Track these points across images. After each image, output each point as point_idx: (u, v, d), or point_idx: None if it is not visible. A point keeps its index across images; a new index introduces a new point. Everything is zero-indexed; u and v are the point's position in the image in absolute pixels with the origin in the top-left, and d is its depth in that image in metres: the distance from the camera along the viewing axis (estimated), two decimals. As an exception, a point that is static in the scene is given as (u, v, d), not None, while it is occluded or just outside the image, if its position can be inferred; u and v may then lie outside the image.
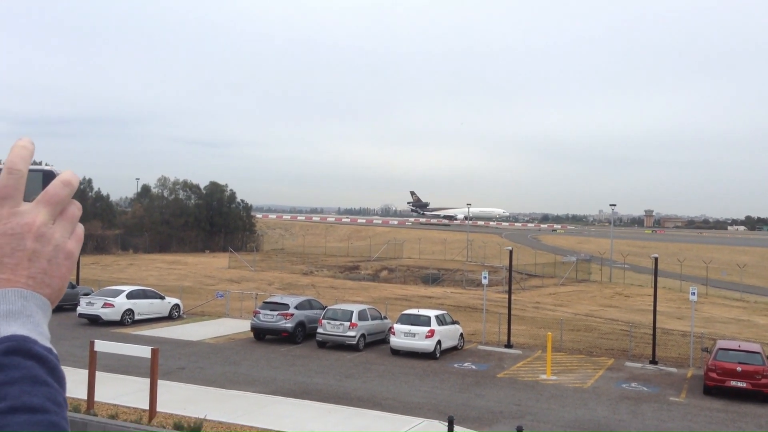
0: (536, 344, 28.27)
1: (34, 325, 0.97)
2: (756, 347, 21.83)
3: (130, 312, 29.82)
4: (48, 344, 0.97)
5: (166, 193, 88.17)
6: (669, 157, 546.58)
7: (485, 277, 29.73)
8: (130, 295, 30.20)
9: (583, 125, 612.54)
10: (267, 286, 48.57)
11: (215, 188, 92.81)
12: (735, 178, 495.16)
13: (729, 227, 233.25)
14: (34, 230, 1.02)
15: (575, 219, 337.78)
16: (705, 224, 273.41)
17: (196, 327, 30.13)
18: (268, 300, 28.59)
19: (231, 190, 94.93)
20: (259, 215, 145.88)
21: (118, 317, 29.14)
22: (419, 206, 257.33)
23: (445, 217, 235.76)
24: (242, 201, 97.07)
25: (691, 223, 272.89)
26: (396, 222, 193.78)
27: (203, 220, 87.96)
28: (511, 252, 31.06)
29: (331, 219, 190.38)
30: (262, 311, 27.21)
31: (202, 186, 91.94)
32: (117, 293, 30.13)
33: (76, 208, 1.08)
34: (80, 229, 1.10)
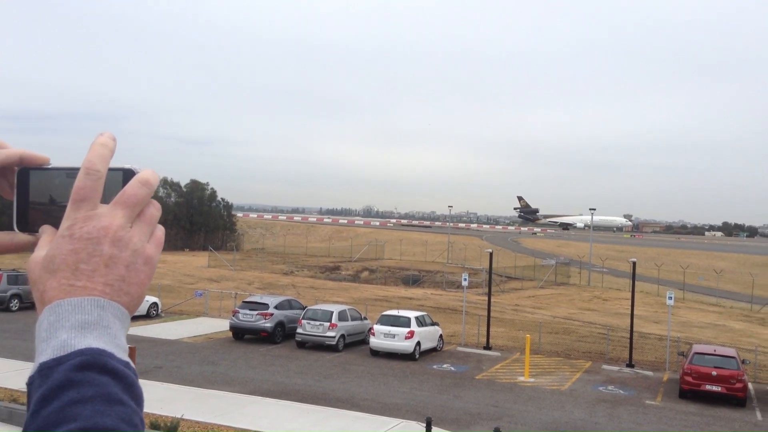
0: (515, 346, 28.41)
1: (111, 337, 0.88)
2: (731, 352, 22.10)
3: (107, 310, 29.50)
4: (126, 358, 0.89)
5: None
6: (649, 162, 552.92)
7: (465, 279, 29.83)
8: (108, 293, 29.88)
9: (566, 130, 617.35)
10: (247, 286, 48.33)
11: (196, 186, 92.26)
12: (713, 185, 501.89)
13: (706, 233, 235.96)
14: (111, 234, 0.94)
15: (553, 223, 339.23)
16: (683, 229, 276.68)
17: (174, 326, 29.90)
18: (248, 299, 28.45)
19: (212, 188, 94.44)
20: (239, 214, 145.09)
21: (95, 315, 28.81)
22: (528, 213, 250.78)
23: (561, 224, 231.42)
24: (223, 200, 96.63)
25: (669, 228, 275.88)
26: (378, 223, 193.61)
27: (183, 219, 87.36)
28: (491, 254, 31.19)
29: (312, 219, 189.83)
30: (241, 311, 27.07)
31: (182, 184, 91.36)
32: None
33: (155, 209, 1.00)
34: (160, 231, 1.02)
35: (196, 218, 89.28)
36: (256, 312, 26.74)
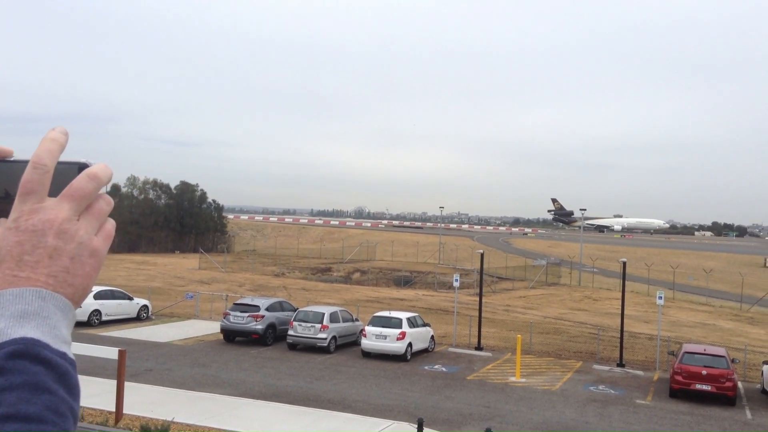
0: (506, 347, 28.46)
1: (50, 327, 0.90)
2: (721, 351, 22.22)
3: (97, 313, 29.38)
4: (63, 348, 0.90)
5: (135, 193, 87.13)
6: (639, 163, 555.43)
7: (456, 280, 29.86)
8: (98, 296, 29.74)
9: (556, 131, 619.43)
10: (238, 288, 48.22)
11: (186, 188, 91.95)
12: (702, 185, 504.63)
13: (696, 233, 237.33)
14: (55, 226, 0.95)
15: (546, 223, 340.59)
16: (673, 229, 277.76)
17: (164, 328, 29.79)
18: (239, 301, 28.37)
19: (202, 190, 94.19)
20: (230, 216, 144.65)
21: (85, 318, 28.68)
22: (562, 215, 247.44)
23: (597, 227, 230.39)
24: (213, 201, 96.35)
25: (659, 229, 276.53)
26: (369, 224, 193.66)
27: (173, 221, 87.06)
28: (482, 255, 31.23)
29: (303, 220, 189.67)
30: (232, 313, 26.99)
31: (172, 186, 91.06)
32: (84, 294, 29.64)
33: (104, 203, 1.02)
34: (110, 225, 1.03)
35: (186, 220, 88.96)
36: (247, 314, 26.67)
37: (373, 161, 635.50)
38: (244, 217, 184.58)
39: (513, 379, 22.41)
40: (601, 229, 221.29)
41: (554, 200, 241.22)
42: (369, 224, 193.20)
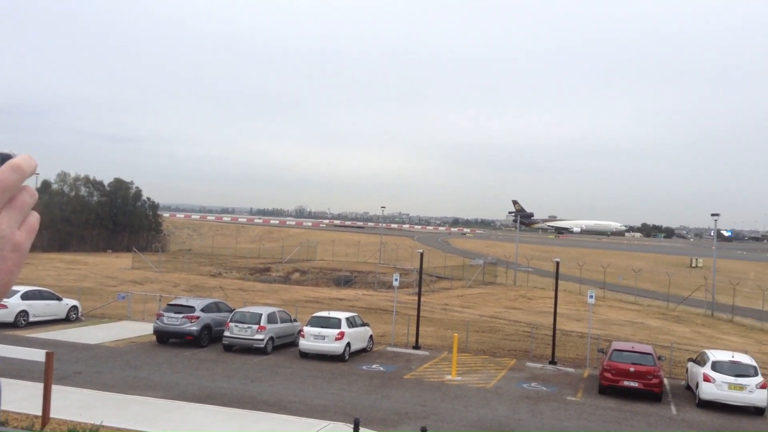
0: (443, 345, 28.81)
1: None
2: (648, 348, 23.04)
3: (24, 313, 28.34)
4: None
5: (66, 189, 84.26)
6: (573, 165, 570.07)
7: (396, 280, 30.04)
8: (25, 296, 28.68)
9: (494, 132, 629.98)
10: (172, 288, 47.23)
11: (120, 185, 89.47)
12: (632, 187, 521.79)
13: (626, 234, 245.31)
14: None
15: (484, 223, 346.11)
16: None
17: (95, 330, 28.95)
18: (173, 302, 27.81)
19: (137, 187, 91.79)
20: (166, 214, 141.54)
21: (11, 319, 27.64)
22: (523, 216, 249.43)
23: (557, 229, 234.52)
24: (148, 199, 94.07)
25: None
26: (310, 223, 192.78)
27: (106, 219, 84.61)
28: (422, 255, 31.53)
29: (242, 219, 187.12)
30: (166, 314, 26.44)
31: (105, 182, 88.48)
32: (10, 293, 28.50)
33: (28, 196, 0.99)
34: (33, 218, 1.01)
35: (119, 218, 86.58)
36: (181, 315, 26.17)
37: (315, 160, 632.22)
38: (181, 215, 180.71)
39: (449, 377, 22.70)
40: (560, 231, 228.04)
41: (515, 202, 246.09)
42: (310, 224, 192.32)
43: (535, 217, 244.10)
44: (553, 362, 26.24)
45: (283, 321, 26.86)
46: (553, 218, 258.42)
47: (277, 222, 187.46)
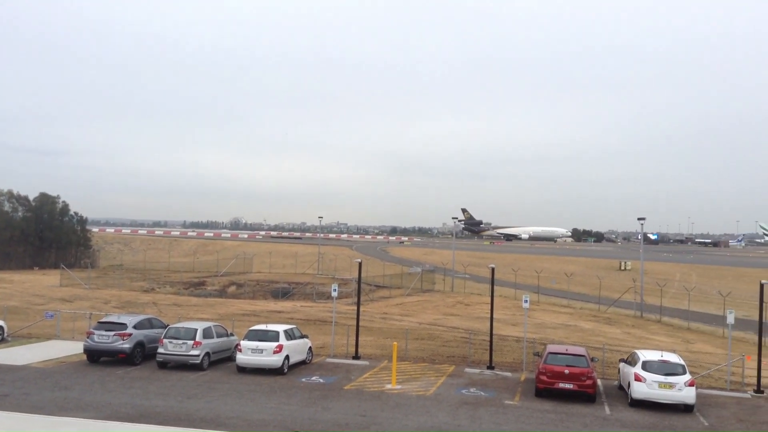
0: (383, 354, 28.84)
1: None
2: (581, 350, 23.62)
3: (-59, 337, 26.90)
4: None
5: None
6: (504, 172, 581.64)
7: (335, 290, 29.94)
8: (-58, 319, 27.25)
9: (430, 140, 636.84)
10: (103, 305, 45.75)
11: (45, 200, 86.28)
12: (563, 193, 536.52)
13: (558, 239, 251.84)
14: None
15: (421, 231, 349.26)
16: (538, 236, 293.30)
17: (22, 350, 27.75)
18: (104, 320, 26.91)
19: (63, 201, 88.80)
20: (95, 229, 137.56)
21: (-74, 343, 26.18)
22: (472, 224, 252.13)
23: (505, 236, 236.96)
24: (76, 214, 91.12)
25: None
26: (246, 235, 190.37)
27: (32, 235, 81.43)
28: (360, 264, 31.52)
29: (175, 233, 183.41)
30: (96, 332, 25.58)
31: (31, 197, 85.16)
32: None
33: None
34: None
35: (46, 234, 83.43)
36: (112, 333, 25.38)
37: (250, 172, 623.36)
38: (111, 230, 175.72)
39: (389, 386, 22.72)
40: (509, 237, 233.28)
41: (464, 210, 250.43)
42: (246, 235, 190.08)
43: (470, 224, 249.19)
44: (490, 367, 26.62)
45: (219, 336, 26.36)
46: (488, 225, 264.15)
47: (212, 234, 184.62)
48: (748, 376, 25.36)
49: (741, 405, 22.23)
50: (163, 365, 24.88)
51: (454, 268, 73.07)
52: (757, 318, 25.96)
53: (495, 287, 29.21)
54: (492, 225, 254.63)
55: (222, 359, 26.36)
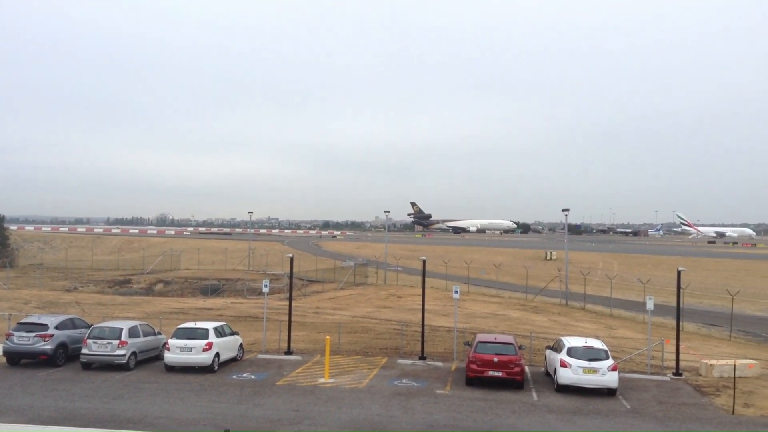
0: (316, 349, 28.77)
1: None
2: (509, 339, 24.21)
3: None
4: None
5: None
6: (439, 166, 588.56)
7: (266, 285, 29.62)
8: None
9: (362, 134, 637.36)
10: (23, 306, 43.85)
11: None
12: (494, 185, 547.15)
13: (487, 230, 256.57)
14: None
15: (354, 225, 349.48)
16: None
17: (-69, 357, 26.27)
18: (24, 320, 25.81)
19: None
20: (13, 227, 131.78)
21: None
22: (421, 218, 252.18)
23: (453, 229, 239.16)
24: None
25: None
26: (173, 232, 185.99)
27: (-58, 234, 77.00)
28: (291, 259, 31.28)
29: (99, 230, 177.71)
30: (16, 333, 24.54)
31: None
32: None
33: None
34: None
35: (-41, 233, 79.12)
36: (33, 334, 24.38)
37: (177, 167, 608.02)
38: (30, 227, 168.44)
39: (322, 380, 22.70)
40: (457, 230, 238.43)
41: (413, 204, 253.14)
42: (173, 232, 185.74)
43: (400, 218, 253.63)
44: (422, 358, 26.95)
45: (146, 335, 25.70)
46: (437, 220, 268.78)
47: (137, 231, 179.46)
48: (668, 359, 26.57)
49: (661, 388, 23.27)
50: (88, 366, 24.09)
51: (387, 261, 73.49)
52: (675, 303, 27.17)
53: (426, 279, 29.54)
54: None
55: (150, 359, 25.73)
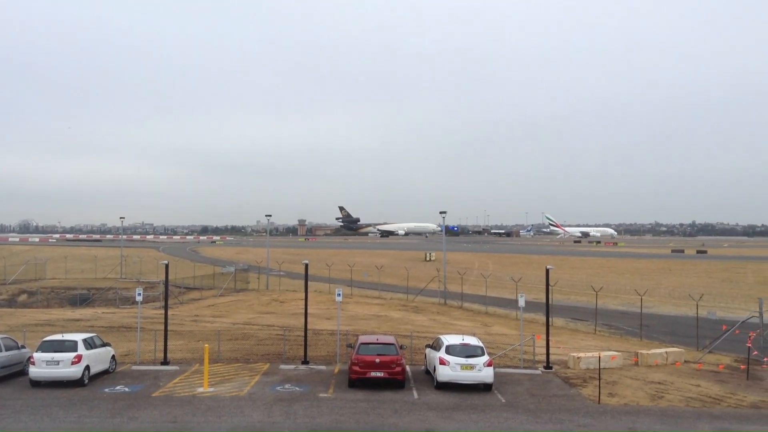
0: (194, 358, 27.95)
1: None
2: (390, 339, 24.61)
3: None
4: None
5: None
6: (316, 169, 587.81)
7: (139, 294, 28.43)
8: None
9: (239, 138, 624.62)
10: None
11: None
12: (372, 189, 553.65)
13: (370, 234, 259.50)
14: None
15: (234, 230, 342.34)
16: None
17: None
18: None
19: None
20: None
21: None
22: (350, 222, 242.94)
23: (382, 232, 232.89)
24: None
25: (338, 231, 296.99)
26: (37, 239, 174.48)
27: None
28: (167, 266, 30.18)
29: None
30: None
31: None
32: None
33: None
34: None
35: None
36: None
37: (42, 171, 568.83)
38: None
39: (201, 389, 22.09)
40: (385, 234, 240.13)
41: (341, 208, 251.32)
42: (37, 239, 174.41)
43: (282, 222, 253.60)
44: (305, 362, 26.86)
45: (8, 348, 23.97)
46: (302, 220, 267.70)
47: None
48: (539, 354, 28.01)
49: (533, 381, 24.50)
50: (-61, 387, 22.13)
51: (269, 265, 72.58)
52: (545, 300, 28.68)
53: (309, 283, 29.45)
54: (292, 222, 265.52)
55: (13, 374, 24.01)
